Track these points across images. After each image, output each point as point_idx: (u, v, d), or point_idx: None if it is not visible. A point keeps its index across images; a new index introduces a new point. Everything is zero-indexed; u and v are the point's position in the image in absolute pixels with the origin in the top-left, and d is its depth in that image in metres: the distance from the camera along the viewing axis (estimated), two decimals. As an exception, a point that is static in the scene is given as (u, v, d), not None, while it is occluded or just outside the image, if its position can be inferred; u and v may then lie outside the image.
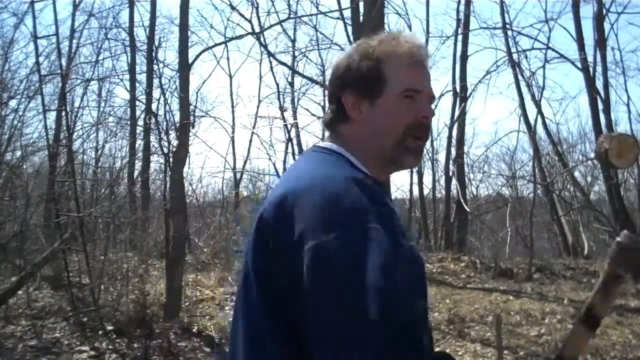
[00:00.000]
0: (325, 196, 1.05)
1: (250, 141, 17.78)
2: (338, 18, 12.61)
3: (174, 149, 6.99)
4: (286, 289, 1.05)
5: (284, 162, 17.16)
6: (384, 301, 0.94)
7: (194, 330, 5.95)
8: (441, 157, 17.20)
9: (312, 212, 1.04)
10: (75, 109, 13.39)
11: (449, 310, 7.32)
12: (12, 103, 9.44)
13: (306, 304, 1.00)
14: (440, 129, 18.21)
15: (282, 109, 16.73)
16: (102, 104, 15.16)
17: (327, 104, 1.35)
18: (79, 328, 5.61)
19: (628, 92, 20.30)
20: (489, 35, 23.45)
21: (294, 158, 16.60)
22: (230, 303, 7.43)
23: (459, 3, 15.11)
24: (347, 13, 12.24)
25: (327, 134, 1.31)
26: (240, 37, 12.00)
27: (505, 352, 5.34)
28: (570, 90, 30.69)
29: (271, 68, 16.26)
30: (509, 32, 14.12)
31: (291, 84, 16.78)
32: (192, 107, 8.96)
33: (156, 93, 11.64)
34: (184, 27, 7.08)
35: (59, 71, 7.58)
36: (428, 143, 16.90)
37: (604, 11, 12.91)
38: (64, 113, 7.59)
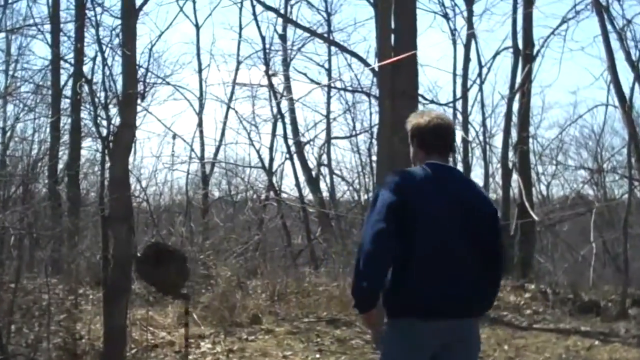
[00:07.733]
0: None
1: (225, 119, 17.77)
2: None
3: (116, 131, 6.97)
4: None
5: (270, 148, 17.13)
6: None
7: (144, 389, 5.94)
8: (497, 141, 17.15)
9: None
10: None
11: (508, 361, 7.32)
12: None
13: None
14: (495, 102, 18.17)
15: (269, 74, 16.70)
16: (13, 66, 15.10)
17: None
18: (-21, 386, 5.59)
19: None
20: (565, -31, 23.29)
21: (285, 142, 16.59)
22: (195, 350, 7.40)
23: None
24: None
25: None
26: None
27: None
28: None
29: (254, 16, 16.24)
30: (595, -36, 14.04)
31: (283, 37, 16.75)
32: (142, 71, 8.92)
33: (90, 50, 11.57)
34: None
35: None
36: (479, 121, 16.87)
37: None
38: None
